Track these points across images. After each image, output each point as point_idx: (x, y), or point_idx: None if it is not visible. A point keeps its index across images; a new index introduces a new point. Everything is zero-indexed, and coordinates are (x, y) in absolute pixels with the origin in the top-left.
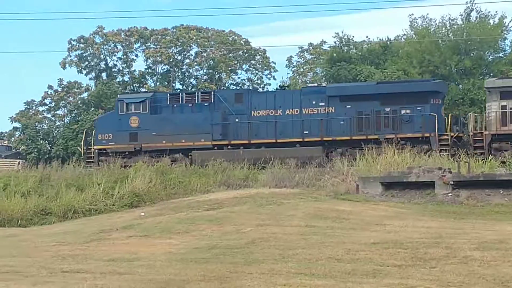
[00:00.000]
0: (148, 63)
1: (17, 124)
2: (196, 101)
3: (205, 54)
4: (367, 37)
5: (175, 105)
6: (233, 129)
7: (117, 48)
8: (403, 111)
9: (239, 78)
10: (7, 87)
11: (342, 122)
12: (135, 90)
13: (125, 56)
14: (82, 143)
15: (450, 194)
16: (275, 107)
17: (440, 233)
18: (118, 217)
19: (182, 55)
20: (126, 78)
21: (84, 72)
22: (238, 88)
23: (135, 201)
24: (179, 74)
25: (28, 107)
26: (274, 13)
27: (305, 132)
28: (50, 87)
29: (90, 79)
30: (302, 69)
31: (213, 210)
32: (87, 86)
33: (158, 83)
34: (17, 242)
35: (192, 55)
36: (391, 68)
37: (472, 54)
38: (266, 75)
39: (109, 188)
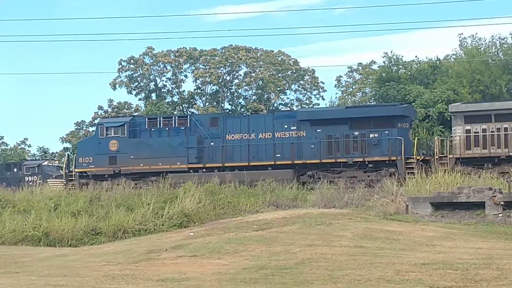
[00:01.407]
0: (197, 84)
1: (67, 145)
2: (173, 125)
3: (253, 74)
4: (416, 56)
5: (152, 129)
6: (208, 153)
7: (166, 68)
8: (371, 135)
9: (288, 98)
10: (59, 107)
11: (312, 146)
12: (184, 111)
13: (174, 77)
14: (64, 165)
15: (500, 215)
16: (249, 131)
17: (490, 254)
18: (168, 237)
19: (231, 75)
20: (175, 99)
21: (134, 92)
22: (214, 113)
23: (185, 221)
24: (228, 94)
25: (78, 127)
26: (323, 33)
27: (277, 155)
28: (100, 107)
29: (140, 99)
30: (351, 89)
31: (262, 231)
32: (137, 107)
33: (207, 103)
34: (68, 261)
35: (241, 75)
36: (441, 88)
37: None
38: (315, 95)
39: (159, 208)
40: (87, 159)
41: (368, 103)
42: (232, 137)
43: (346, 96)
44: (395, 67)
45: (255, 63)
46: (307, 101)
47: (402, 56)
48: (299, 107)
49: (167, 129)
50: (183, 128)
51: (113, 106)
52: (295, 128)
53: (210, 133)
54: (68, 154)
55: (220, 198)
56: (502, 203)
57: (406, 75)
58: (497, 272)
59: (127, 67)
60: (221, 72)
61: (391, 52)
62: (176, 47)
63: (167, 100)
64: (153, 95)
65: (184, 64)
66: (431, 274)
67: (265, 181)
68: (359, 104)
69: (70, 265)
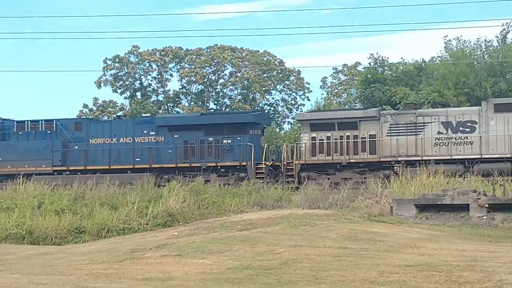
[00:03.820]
0: (182, 83)
1: None
2: (40, 129)
3: (239, 74)
4: (401, 58)
5: (20, 133)
6: (72, 156)
7: (152, 67)
8: (224, 141)
9: (273, 98)
10: (43, 105)
11: (170, 151)
12: (169, 110)
13: (159, 76)
14: None
15: (485, 217)
16: (111, 135)
17: (474, 257)
18: (152, 236)
19: (217, 75)
20: (160, 98)
21: (119, 91)
22: (79, 117)
23: (169, 221)
24: (213, 94)
25: None
26: (309, 33)
27: (136, 159)
28: (85, 106)
29: (125, 98)
30: (336, 90)
31: (246, 231)
32: (121, 105)
33: (192, 103)
34: (51, 260)
35: (226, 75)
36: (426, 90)
37: (508, 76)
38: (300, 95)
39: (143, 207)
40: None
41: (354, 104)
42: (95, 141)
43: (332, 97)
44: (381, 69)
45: (240, 63)
46: (293, 102)
47: (388, 58)
48: (284, 107)
49: (34, 132)
50: (49, 132)
51: (98, 104)
52: (154, 133)
53: (75, 137)
54: None
55: (205, 198)
56: (487, 205)
57: (391, 76)
58: (481, 274)
59: (112, 65)
60: (206, 72)
61: (377, 53)
62: (161, 46)
63: (152, 99)
64: (138, 94)
65: (170, 63)
66: (415, 275)
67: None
68: (214, 111)
69: (54, 264)
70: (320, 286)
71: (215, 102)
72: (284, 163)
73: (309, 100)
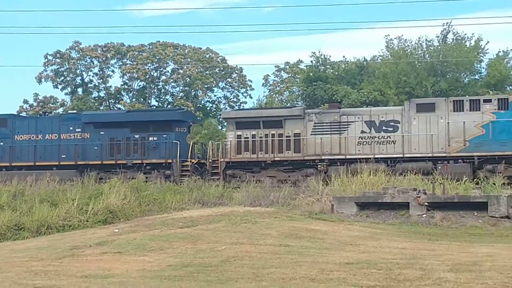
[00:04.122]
0: (124, 79)
1: None
2: None
3: (181, 71)
4: (343, 57)
5: None
6: None
7: (93, 63)
8: (150, 138)
9: (215, 96)
10: None
11: (95, 148)
12: (111, 106)
13: (101, 72)
14: None
15: (424, 215)
16: (36, 132)
17: (414, 254)
18: (92, 233)
19: (159, 71)
20: (102, 94)
21: (60, 87)
22: (4, 114)
23: (109, 218)
24: (155, 90)
25: None
26: (251, 31)
27: (62, 156)
28: (25, 101)
29: (66, 94)
30: (278, 88)
31: (187, 228)
32: (62, 101)
33: (134, 99)
34: None
35: (168, 72)
36: (368, 89)
37: (448, 76)
38: (242, 93)
39: (83, 204)
40: None
41: (296, 102)
42: (21, 137)
43: (274, 95)
44: (323, 67)
45: (182, 60)
46: (235, 99)
47: (330, 56)
48: (226, 105)
49: None
50: None
51: (38, 100)
52: (80, 130)
53: (0, 133)
54: None
55: (146, 195)
56: (426, 204)
57: (333, 75)
58: (420, 272)
59: (53, 61)
60: (148, 68)
61: (319, 52)
62: (103, 42)
63: (93, 95)
64: (80, 90)
65: (112, 59)
66: (355, 273)
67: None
68: (140, 109)
69: None
70: (260, 284)
71: (157, 99)
72: (210, 160)
73: (251, 97)
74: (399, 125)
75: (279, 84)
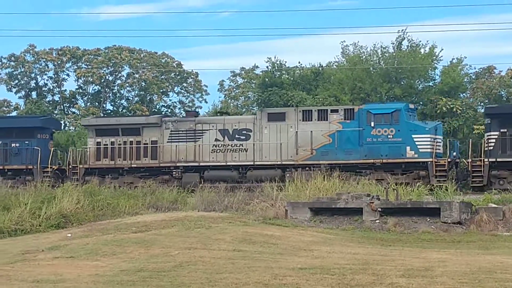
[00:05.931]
0: (79, 83)
1: None
2: None
3: (137, 76)
4: (299, 62)
5: None
6: None
7: (48, 67)
8: (13, 145)
9: (170, 100)
10: None
11: None
12: (65, 110)
13: (56, 76)
14: None
15: (378, 221)
16: None
17: (367, 260)
18: (45, 238)
19: (114, 75)
20: (56, 98)
21: (14, 90)
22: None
23: (62, 222)
24: (110, 95)
25: None
26: (207, 36)
27: None
28: None
29: (20, 97)
30: (234, 93)
31: (141, 233)
32: (16, 105)
33: (88, 104)
34: None
35: (124, 76)
36: (323, 94)
37: (402, 83)
38: (198, 98)
39: (36, 208)
40: None
41: (251, 108)
42: None
43: (229, 100)
44: (278, 73)
45: (138, 64)
46: (190, 104)
47: (286, 62)
48: (182, 109)
49: None
50: None
51: None
52: None
53: None
54: None
55: (100, 199)
56: (379, 209)
57: (289, 80)
58: (372, 277)
59: (7, 64)
60: (103, 72)
61: (275, 57)
62: (59, 46)
63: (48, 99)
64: (34, 94)
65: (67, 63)
66: (308, 278)
67: None
68: (3, 115)
69: None
70: None
71: (112, 103)
72: (70, 167)
73: (206, 102)
74: (251, 134)
75: (234, 89)
